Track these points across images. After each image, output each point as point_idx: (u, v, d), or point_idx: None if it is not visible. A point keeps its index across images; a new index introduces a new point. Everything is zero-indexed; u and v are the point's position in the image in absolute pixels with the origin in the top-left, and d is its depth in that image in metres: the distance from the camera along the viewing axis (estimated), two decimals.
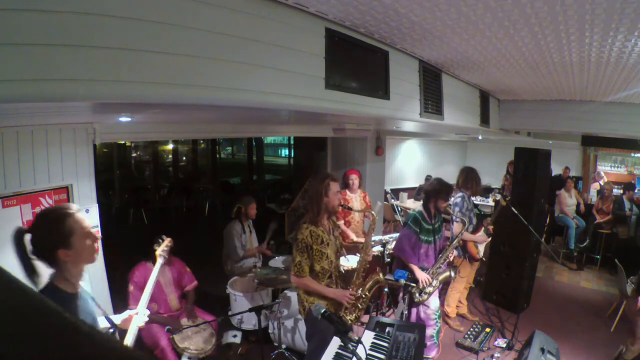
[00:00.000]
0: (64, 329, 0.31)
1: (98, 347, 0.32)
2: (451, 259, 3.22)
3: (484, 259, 3.97)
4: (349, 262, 3.48)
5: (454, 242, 3.23)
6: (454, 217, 3.58)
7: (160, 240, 2.22)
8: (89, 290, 2.93)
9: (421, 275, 3.05)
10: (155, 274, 1.95)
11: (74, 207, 1.43)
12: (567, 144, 8.86)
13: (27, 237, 1.33)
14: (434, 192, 3.16)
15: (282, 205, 7.86)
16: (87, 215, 2.92)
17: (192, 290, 3.24)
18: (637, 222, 5.90)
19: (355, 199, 4.40)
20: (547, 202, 4.85)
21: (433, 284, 3.09)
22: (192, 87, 1.86)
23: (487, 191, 8.04)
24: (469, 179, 3.84)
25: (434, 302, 3.21)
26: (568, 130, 6.14)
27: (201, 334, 2.92)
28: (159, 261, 2.05)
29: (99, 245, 1.46)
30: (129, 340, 1.69)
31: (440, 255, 3.18)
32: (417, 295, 3.04)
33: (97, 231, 3.01)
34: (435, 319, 3.20)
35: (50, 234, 1.34)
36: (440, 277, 3.13)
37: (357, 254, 3.41)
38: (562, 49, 2.97)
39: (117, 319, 1.77)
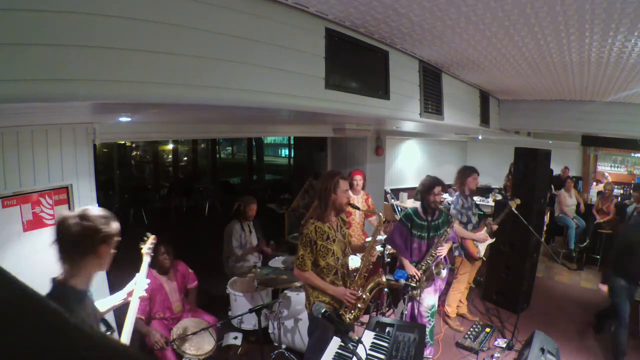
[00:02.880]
0: (65, 330, 0.31)
1: (98, 347, 0.32)
2: (442, 254, 3.21)
3: (484, 258, 3.96)
4: (353, 261, 3.48)
5: (442, 238, 3.22)
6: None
7: (145, 238, 2.18)
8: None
9: (412, 270, 3.08)
10: (144, 271, 1.95)
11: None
12: (567, 144, 8.85)
13: (73, 221, 1.36)
14: (422, 188, 3.25)
15: (282, 205, 7.86)
16: None
17: (193, 289, 3.24)
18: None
19: (357, 201, 4.38)
20: (545, 203, 4.85)
21: (422, 280, 3.09)
22: (192, 87, 1.86)
23: (487, 191, 8.04)
24: (461, 177, 3.97)
25: (427, 299, 3.21)
26: (568, 130, 6.15)
27: (201, 335, 2.92)
28: (146, 259, 2.05)
29: None
30: (127, 327, 1.73)
31: (429, 251, 3.18)
32: (409, 289, 3.04)
33: None
34: (428, 317, 3.20)
35: (104, 227, 1.41)
36: (427, 273, 3.14)
37: (358, 254, 3.40)
38: (562, 49, 2.97)
39: (105, 304, 1.80)
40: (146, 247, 2.11)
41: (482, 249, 3.91)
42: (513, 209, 3.74)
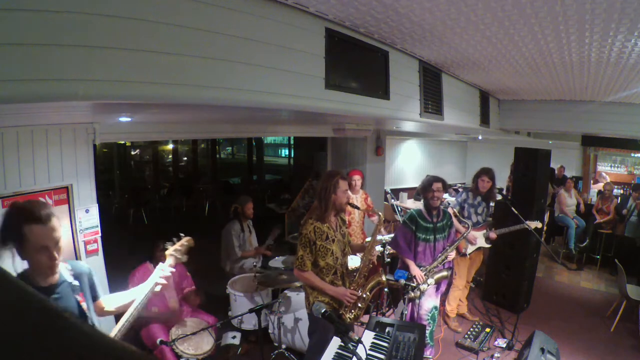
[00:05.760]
0: (65, 329, 0.31)
1: (98, 346, 0.32)
2: (450, 259, 3.20)
3: (468, 256, 3.94)
4: (352, 261, 3.47)
5: (456, 243, 3.22)
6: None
7: (175, 240, 1.98)
8: None
9: (416, 272, 3.06)
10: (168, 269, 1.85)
11: (45, 214, 1.33)
12: (567, 144, 8.85)
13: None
14: (421, 187, 3.23)
15: (282, 205, 7.86)
16: (87, 215, 2.91)
17: (190, 292, 3.22)
18: (637, 223, 5.90)
19: (357, 200, 4.38)
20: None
21: (428, 282, 3.08)
22: (192, 87, 1.86)
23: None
24: (475, 177, 4.03)
25: (427, 303, 3.19)
26: (568, 130, 6.15)
27: (200, 335, 2.92)
28: (169, 260, 1.89)
29: (55, 264, 1.38)
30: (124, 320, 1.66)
31: (439, 255, 3.17)
32: (410, 290, 3.03)
33: (96, 231, 3.01)
34: (428, 319, 3.19)
35: (8, 230, 1.29)
36: (436, 277, 3.12)
37: (358, 254, 3.40)
38: (562, 49, 2.97)
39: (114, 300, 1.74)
40: (173, 249, 1.93)
41: (470, 247, 3.90)
42: (531, 229, 3.66)
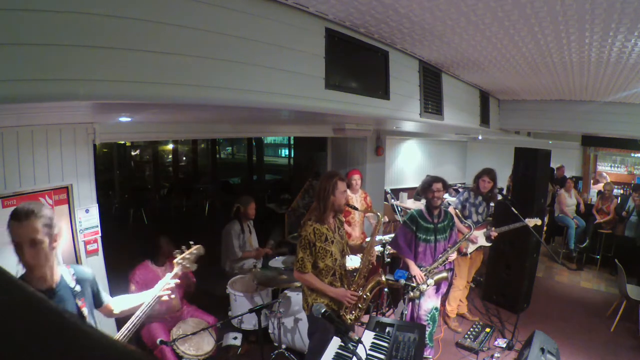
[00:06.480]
0: (65, 329, 0.31)
1: (99, 347, 0.32)
2: (451, 259, 3.20)
3: (469, 255, 3.93)
4: (352, 262, 3.47)
5: (457, 244, 3.22)
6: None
7: (184, 248, 2.05)
8: None
9: (415, 272, 3.05)
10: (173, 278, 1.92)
11: (23, 212, 1.34)
12: (567, 144, 8.84)
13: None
14: (421, 187, 3.23)
15: (282, 205, 7.85)
16: (87, 215, 2.91)
17: (191, 283, 3.24)
18: (637, 223, 5.90)
19: (356, 200, 4.38)
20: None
21: (428, 282, 3.08)
22: (192, 87, 1.86)
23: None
24: (476, 177, 4.06)
25: (427, 303, 3.19)
26: (568, 130, 6.15)
27: (200, 335, 2.92)
28: (176, 269, 1.97)
29: (34, 265, 1.37)
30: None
31: (440, 256, 3.16)
32: (409, 290, 3.03)
33: (96, 231, 3.00)
34: (427, 320, 3.19)
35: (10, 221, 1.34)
36: (436, 277, 3.11)
37: (358, 254, 3.40)
38: (562, 49, 2.97)
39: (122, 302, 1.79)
40: (181, 257, 2.02)
41: (471, 246, 3.89)
42: (530, 227, 3.66)
